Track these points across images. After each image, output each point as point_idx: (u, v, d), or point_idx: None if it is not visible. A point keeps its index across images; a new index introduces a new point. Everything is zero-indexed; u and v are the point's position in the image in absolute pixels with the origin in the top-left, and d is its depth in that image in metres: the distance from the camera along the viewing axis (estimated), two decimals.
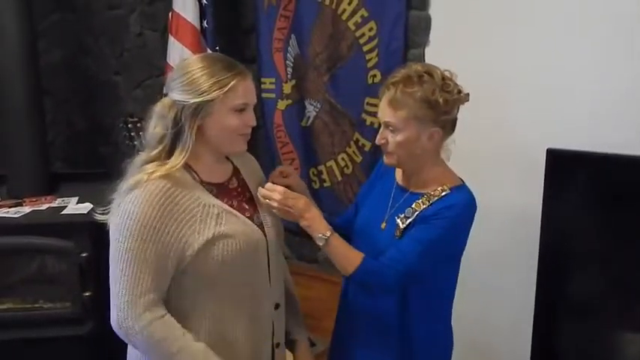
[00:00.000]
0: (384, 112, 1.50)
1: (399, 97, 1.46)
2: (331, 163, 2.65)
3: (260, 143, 2.83)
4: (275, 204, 1.47)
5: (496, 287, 2.14)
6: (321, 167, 2.69)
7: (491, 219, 1.84)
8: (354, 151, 2.54)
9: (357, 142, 2.52)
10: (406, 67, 1.52)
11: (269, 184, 1.51)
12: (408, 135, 1.48)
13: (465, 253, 1.56)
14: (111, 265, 1.34)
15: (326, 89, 2.57)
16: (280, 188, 1.49)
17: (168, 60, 2.69)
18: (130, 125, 2.41)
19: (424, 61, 2.18)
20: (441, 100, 1.45)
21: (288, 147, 2.78)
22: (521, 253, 1.99)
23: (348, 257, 1.50)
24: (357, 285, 1.59)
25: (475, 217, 1.53)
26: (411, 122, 1.47)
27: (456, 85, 1.49)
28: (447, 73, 1.49)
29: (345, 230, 1.67)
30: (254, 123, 1.44)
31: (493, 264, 2.11)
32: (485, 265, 2.07)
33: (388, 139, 1.51)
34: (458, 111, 1.51)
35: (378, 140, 1.54)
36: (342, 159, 2.59)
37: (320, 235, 1.49)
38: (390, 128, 1.50)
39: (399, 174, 1.64)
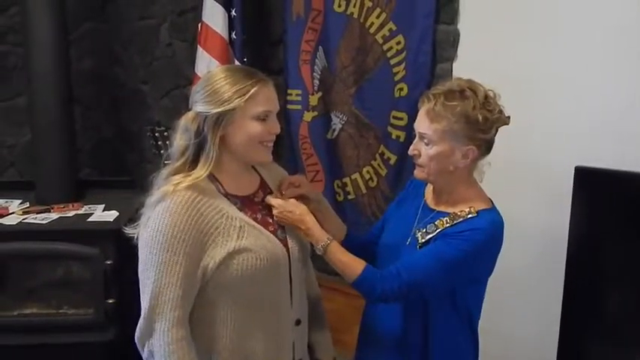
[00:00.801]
0: (421, 123, 1.50)
1: (438, 109, 1.45)
2: (356, 175, 2.66)
3: (284, 154, 2.84)
4: (275, 211, 1.48)
5: (522, 305, 2.12)
6: (346, 180, 2.70)
7: (518, 236, 1.83)
8: (379, 164, 2.55)
9: (382, 155, 2.52)
10: (450, 80, 1.53)
11: (269, 197, 1.50)
12: (442, 149, 1.47)
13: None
14: (141, 277, 1.35)
15: (352, 102, 2.58)
16: (276, 200, 1.49)
17: (196, 70, 2.72)
18: (156, 134, 2.44)
19: (452, 76, 2.18)
20: (480, 118, 1.44)
21: (313, 158, 2.80)
22: (547, 271, 1.97)
23: (350, 265, 1.50)
24: (377, 302, 1.57)
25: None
26: (447, 136, 1.46)
27: (497, 105, 1.48)
28: (490, 92, 1.49)
29: (370, 247, 1.66)
30: (277, 130, 1.44)
31: (519, 282, 2.09)
32: (511, 282, 2.04)
33: (421, 151, 1.51)
34: (496, 133, 1.50)
35: (411, 151, 1.54)
36: (367, 172, 2.60)
37: (319, 244, 1.49)
38: (425, 140, 1.49)
39: (428, 193, 1.63)
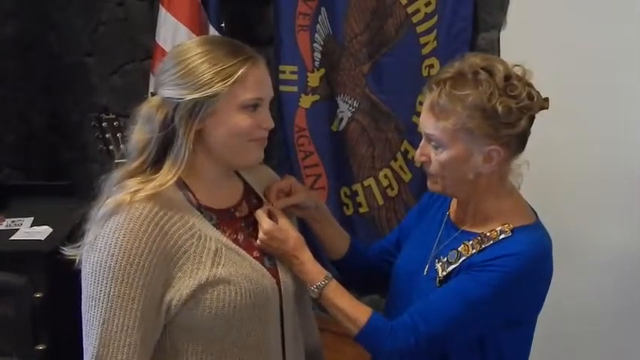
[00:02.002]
0: (425, 121, 1.52)
1: (444, 101, 1.46)
2: (370, 181, 2.65)
3: (275, 152, 2.82)
4: (260, 235, 1.51)
5: (586, 345, 2.12)
6: (357, 187, 2.69)
7: (582, 260, 1.87)
8: (401, 166, 2.55)
9: (405, 153, 2.53)
10: (462, 59, 1.52)
11: (259, 212, 1.54)
12: (455, 153, 1.49)
13: (545, 302, 1.56)
14: (85, 316, 1.36)
15: (366, 82, 2.58)
16: (267, 221, 1.52)
17: (157, 39, 2.73)
18: (104, 124, 2.41)
19: (498, 49, 2.20)
20: (500, 109, 1.44)
21: (313, 158, 2.81)
22: (621, 302, 2.00)
23: (352, 313, 1.53)
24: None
25: (558, 259, 1.53)
26: (459, 136, 1.47)
27: (525, 87, 1.48)
28: (516, 70, 1.49)
29: (379, 265, 1.73)
30: (271, 124, 1.47)
31: (591, 320, 2.09)
32: (573, 317, 2.05)
33: (430, 156, 1.53)
34: (531, 122, 1.50)
35: (418, 157, 1.56)
36: (385, 176, 2.60)
37: (314, 285, 1.53)
38: (433, 143, 1.52)
39: (453, 204, 1.67)
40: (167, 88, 1.41)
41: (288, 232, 1.53)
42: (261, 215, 1.53)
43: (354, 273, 1.77)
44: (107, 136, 2.39)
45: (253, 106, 1.42)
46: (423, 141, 1.54)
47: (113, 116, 2.43)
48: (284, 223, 1.54)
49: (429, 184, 1.57)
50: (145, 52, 3.11)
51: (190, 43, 1.45)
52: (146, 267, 1.33)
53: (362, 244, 1.81)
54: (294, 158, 2.85)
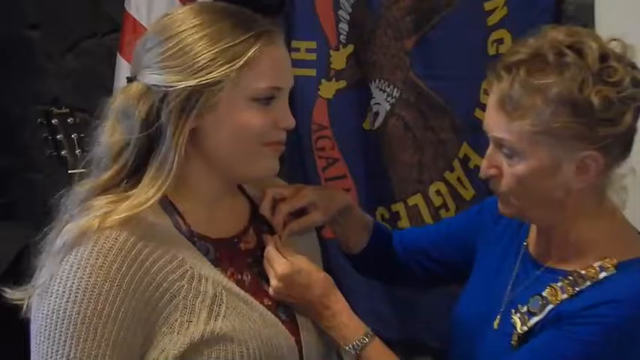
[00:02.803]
0: (492, 121, 1.51)
1: (519, 93, 1.45)
2: (417, 199, 2.63)
3: (287, 159, 2.70)
4: (273, 282, 1.52)
5: None
6: (398, 207, 2.68)
7: None
8: (459, 179, 2.53)
9: (465, 161, 2.51)
10: (540, 34, 1.50)
11: (270, 250, 1.55)
12: (537, 164, 1.48)
13: None
14: None
15: (410, 64, 2.57)
16: (280, 263, 1.52)
17: (127, 6, 2.74)
18: (54, 121, 2.41)
19: (592, 17, 2.18)
20: (595, 101, 1.41)
21: (338, 168, 2.80)
22: None
23: None
24: None
25: None
26: (541, 141, 1.46)
27: (628, 70, 1.46)
28: (613, 47, 1.47)
29: (409, 262, 1.85)
30: (291, 122, 1.49)
31: None
32: None
33: (502, 168, 1.52)
34: (637, 117, 1.48)
35: (485, 169, 1.55)
36: (438, 192, 2.59)
37: (352, 343, 1.54)
38: (505, 150, 1.50)
39: (532, 232, 1.66)
40: (152, 72, 1.40)
41: (311, 273, 1.54)
42: (272, 254, 1.53)
43: (374, 269, 1.88)
44: (58, 137, 2.37)
45: (268, 99, 1.42)
46: (490, 147, 1.52)
47: (67, 110, 2.39)
48: (302, 261, 1.54)
49: (500, 206, 1.57)
50: (110, 24, 3.09)
51: (183, 11, 1.45)
52: (119, 319, 1.32)
53: (387, 231, 1.89)
54: (311, 168, 2.83)
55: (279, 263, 1.51)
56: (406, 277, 1.94)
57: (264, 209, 1.60)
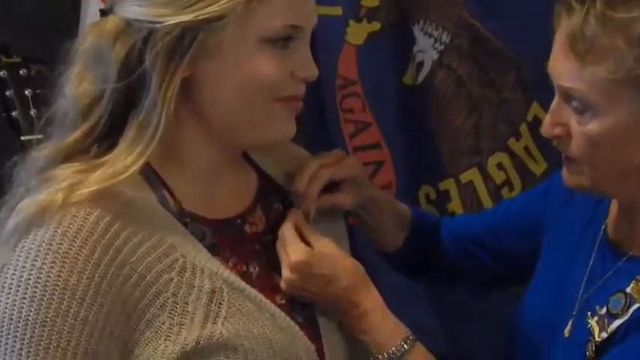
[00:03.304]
0: (559, 65, 1.51)
1: (593, 31, 1.44)
2: (472, 174, 2.59)
3: (305, 122, 2.57)
4: (286, 272, 1.51)
5: None
6: (448, 184, 2.63)
7: None
8: (527, 147, 2.51)
9: (535, 125, 2.44)
10: None
11: (286, 227, 1.54)
12: (614, 122, 1.48)
13: None
14: None
15: (463, 1, 2.53)
16: (297, 248, 1.51)
17: None
18: (2, 72, 2.42)
19: None
20: None
21: (370, 134, 2.68)
22: None
23: None
24: None
25: None
26: (622, 92, 1.46)
27: None
28: None
29: (458, 254, 1.89)
30: (313, 72, 1.45)
31: None
32: None
33: (570, 127, 1.52)
34: None
35: (549, 129, 1.56)
36: (500, 165, 2.56)
37: (387, 350, 1.53)
38: (574, 103, 1.49)
39: (613, 211, 1.66)
40: (133, 2, 1.37)
41: (336, 261, 1.52)
42: (287, 235, 1.52)
43: (414, 267, 1.95)
44: (7, 94, 2.36)
45: (284, 40, 1.40)
46: (556, 100, 1.52)
47: (18, 60, 2.41)
48: (326, 245, 1.53)
49: (565, 174, 1.57)
50: None
51: None
52: (90, 322, 1.30)
53: (432, 222, 1.93)
54: (335, 134, 2.73)
55: (294, 248, 1.50)
56: (456, 276, 1.99)
57: (300, 183, 1.61)
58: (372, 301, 1.54)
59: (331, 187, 1.69)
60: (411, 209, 1.94)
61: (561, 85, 1.50)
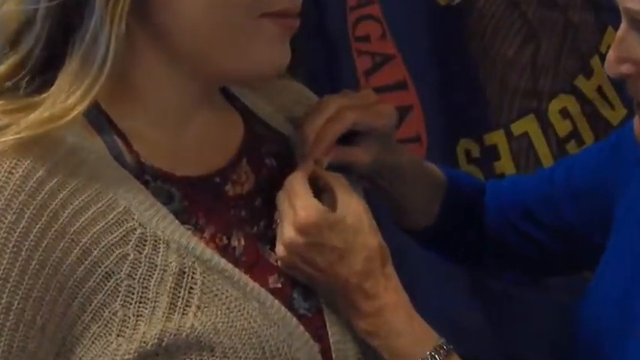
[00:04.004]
0: None
1: None
2: (528, 122, 2.38)
3: (301, 53, 2.52)
4: (288, 234, 1.36)
5: None
6: (496, 136, 2.43)
7: None
8: (601, 89, 2.30)
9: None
10: None
11: (298, 177, 1.40)
12: None
13: None
14: None
15: None
16: (300, 184, 1.39)
17: None
18: None
19: None
20: None
21: (392, 69, 2.47)
22: None
23: None
24: None
25: None
26: None
27: None
28: None
29: (502, 231, 1.73)
30: None
31: None
32: None
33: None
34: None
35: (612, 65, 1.43)
36: (564, 112, 2.35)
37: (423, 356, 1.39)
38: None
39: None
40: None
41: (360, 233, 1.36)
42: (296, 184, 1.37)
43: (447, 245, 1.78)
44: None
45: None
46: (623, 28, 1.40)
47: None
48: (353, 203, 1.38)
49: (637, 125, 1.45)
50: None
51: None
52: (15, 310, 1.21)
53: (473, 186, 1.76)
54: (346, 70, 2.52)
55: (306, 203, 1.32)
56: (504, 259, 1.78)
57: (313, 124, 1.45)
58: (392, 295, 1.36)
59: (347, 139, 1.50)
60: (445, 172, 1.73)
61: (629, 7, 1.36)
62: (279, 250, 1.34)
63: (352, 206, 1.37)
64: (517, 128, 2.43)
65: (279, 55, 1.33)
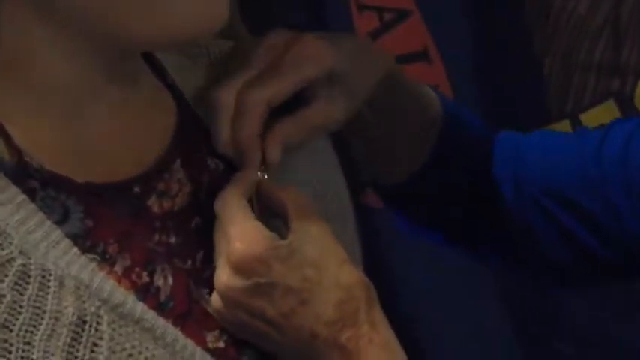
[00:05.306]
0: None
1: None
2: (604, 110, 2.30)
3: (278, 11, 2.55)
4: (223, 277, 1.20)
5: None
6: (559, 128, 2.36)
7: None
8: None
9: None
10: None
11: (232, 192, 1.25)
12: None
13: None
14: None
15: None
16: (232, 208, 1.22)
17: None
18: None
19: None
20: None
21: (407, 29, 2.38)
22: None
23: None
24: None
25: None
26: None
27: None
28: None
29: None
30: None
31: None
32: None
33: None
34: None
35: None
36: None
37: None
38: None
39: None
40: None
41: (327, 265, 1.23)
42: (233, 203, 1.22)
43: (446, 222, 1.59)
44: None
45: None
46: None
47: None
48: (319, 232, 1.24)
49: None
50: None
51: None
52: None
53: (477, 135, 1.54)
54: (341, 30, 2.45)
55: (242, 229, 1.16)
56: (526, 253, 1.57)
57: (220, 130, 1.27)
58: (382, 352, 1.19)
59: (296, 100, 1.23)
60: (443, 102, 1.48)
61: None
62: (214, 299, 1.22)
63: (312, 230, 1.23)
64: (589, 119, 2.31)
65: (215, 7, 1.17)
